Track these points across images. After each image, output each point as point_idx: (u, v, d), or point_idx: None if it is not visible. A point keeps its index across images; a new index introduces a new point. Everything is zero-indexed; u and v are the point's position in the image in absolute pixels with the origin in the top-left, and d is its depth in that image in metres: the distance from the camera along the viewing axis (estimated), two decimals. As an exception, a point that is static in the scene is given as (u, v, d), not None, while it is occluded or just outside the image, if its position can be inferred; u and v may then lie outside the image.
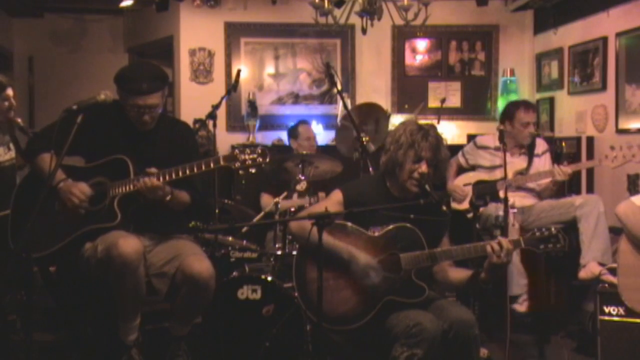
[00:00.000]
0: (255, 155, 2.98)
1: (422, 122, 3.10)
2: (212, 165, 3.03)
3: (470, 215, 4.20)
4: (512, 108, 4.60)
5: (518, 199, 4.38)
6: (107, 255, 3.01)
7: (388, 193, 3.08)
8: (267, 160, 3.00)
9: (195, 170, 3.04)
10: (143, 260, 3.11)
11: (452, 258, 2.96)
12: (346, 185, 3.16)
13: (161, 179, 3.05)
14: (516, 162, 4.54)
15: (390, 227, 2.94)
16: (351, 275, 2.90)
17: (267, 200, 4.53)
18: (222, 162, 3.01)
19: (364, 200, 3.02)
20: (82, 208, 3.12)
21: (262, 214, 4.21)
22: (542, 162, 4.64)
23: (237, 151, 3.00)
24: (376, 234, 2.95)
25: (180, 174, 3.05)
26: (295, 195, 4.44)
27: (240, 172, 3.03)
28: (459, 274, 3.04)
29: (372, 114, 4.74)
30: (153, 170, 3.07)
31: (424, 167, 2.95)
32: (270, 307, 3.51)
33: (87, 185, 3.16)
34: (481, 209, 4.33)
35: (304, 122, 5.29)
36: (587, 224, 4.17)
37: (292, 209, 4.00)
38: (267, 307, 3.51)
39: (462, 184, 4.68)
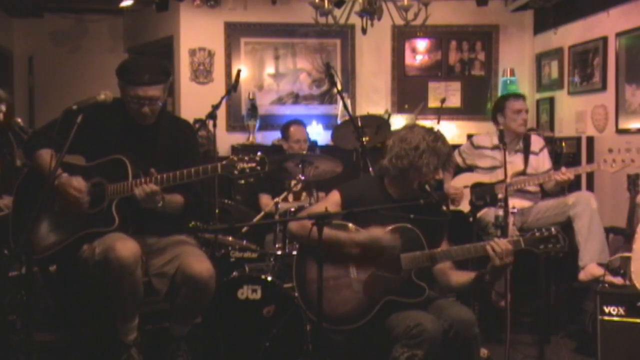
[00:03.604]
0: (254, 164, 2.94)
1: (422, 122, 3.13)
2: (209, 172, 3.00)
3: (470, 219, 4.20)
4: (502, 100, 4.73)
5: (517, 201, 4.37)
6: (105, 258, 3.00)
7: (386, 194, 3.09)
8: (266, 169, 2.96)
9: (193, 176, 3.02)
10: (140, 262, 3.09)
11: (451, 258, 2.96)
12: (344, 186, 3.16)
13: (158, 182, 3.04)
14: (515, 162, 4.54)
15: (391, 227, 2.94)
16: (357, 262, 2.90)
17: (265, 201, 4.51)
18: (219, 171, 2.98)
19: (362, 201, 3.02)
20: (83, 204, 3.11)
21: (262, 214, 4.20)
22: (541, 160, 4.64)
23: (235, 159, 2.96)
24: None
25: (178, 179, 3.03)
26: (290, 197, 4.44)
27: (241, 181, 3.00)
28: (460, 277, 3.04)
29: (373, 122, 4.74)
30: (153, 170, 3.05)
31: (440, 175, 3.03)
32: (271, 308, 3.51)
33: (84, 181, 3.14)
34: (479, 214, 4.32)
35: (296, 122, 5.06)
36: (581, 223, 4.17)
37: (292, 209, 4.00)
38: (268, 308, 3.51)
39: (459, 184, 4.67)
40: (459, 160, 4.81)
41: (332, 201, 3.07)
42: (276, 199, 4.02)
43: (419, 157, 2.97)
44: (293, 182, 4.41)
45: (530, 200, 4.52)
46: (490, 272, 2.88)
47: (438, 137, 3.03)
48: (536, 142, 4.70)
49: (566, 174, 4.26)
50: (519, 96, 4.70)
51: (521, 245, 2.86)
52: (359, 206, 2.96)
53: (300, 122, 5.08)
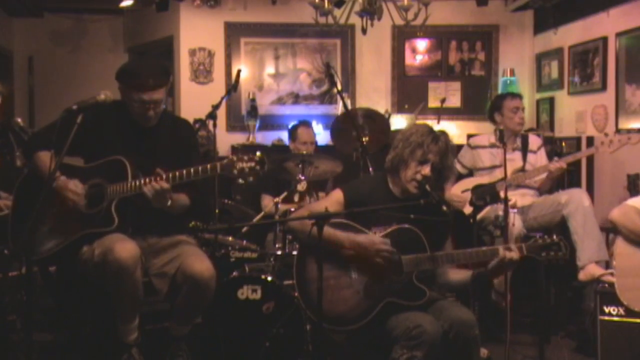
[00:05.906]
0: (253, 164, 2.91)
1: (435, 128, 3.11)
2: (209, 171, 2.99)
3: (470, 219, 4.20)
4: (499, 99, 4.71)
5: (519, 198, 4.37)
6: (104, 260, 3.00)
7: (389, 193, 3.08)
8: (265, 168, 2.94)
9: (192, 176, 3.02)
10: (140, 264, 3.09)
11: (453, 262, 2.95)
12: (347, 185, 3.15)
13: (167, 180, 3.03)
14: (513, 160, 4.54)
15: (392, 228, 2.94)
16: (358, 263, 2.89)
17: (267, 202, 4.50)
18: (218, 170, 2.96)
19: (364, 200, 3.01)
20: (80, 207, 3.11)
21: (262, 214, 4.20)
22: (539, 158, 4.65)
23: (234, 158, 2.94)
24: (378, 234, 2.95)
25: (177, 179, 3.01)
26: (296, 197, 4.43)
27: (240, 180, 2.98)
28: (459, 275, 3.04)
29: (369, 115, 4.73)
30: (160, 171, 3.04)
31: (427, 170, 2.94)
32: (271, 304, 3.51)
33: (81, 183, 3.14)
34: (479, 216, 4.32)
35: (305, 123, 5.07)
36: (576, 222, 4.16)
37: (292, 209, 3.99)
38: (267, 304, 3.51)
39: (460, 190, 4.65)
40: (458, 167, 4.79)
41: (334, 200, 3.06)
42: (276, 199, 4.02)
43: (406, 147, 2.97)
44: (299, 186, 4.40)
45: (531, 197, 4.52)
46: (493, 271, 2.90)
47: (433, 133, 2.99)
48: (534, 141, 4.72)
49: (562, 163, 4.27)
50: (516, 95, 4.70)
51: (523, 253, 2.87)
52: (362, 205, 2.96)
53: (308, 124, 5.09)
